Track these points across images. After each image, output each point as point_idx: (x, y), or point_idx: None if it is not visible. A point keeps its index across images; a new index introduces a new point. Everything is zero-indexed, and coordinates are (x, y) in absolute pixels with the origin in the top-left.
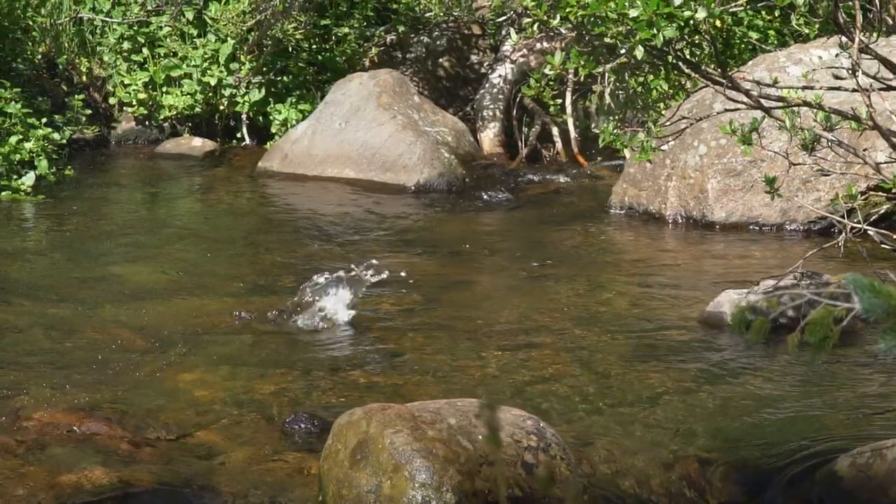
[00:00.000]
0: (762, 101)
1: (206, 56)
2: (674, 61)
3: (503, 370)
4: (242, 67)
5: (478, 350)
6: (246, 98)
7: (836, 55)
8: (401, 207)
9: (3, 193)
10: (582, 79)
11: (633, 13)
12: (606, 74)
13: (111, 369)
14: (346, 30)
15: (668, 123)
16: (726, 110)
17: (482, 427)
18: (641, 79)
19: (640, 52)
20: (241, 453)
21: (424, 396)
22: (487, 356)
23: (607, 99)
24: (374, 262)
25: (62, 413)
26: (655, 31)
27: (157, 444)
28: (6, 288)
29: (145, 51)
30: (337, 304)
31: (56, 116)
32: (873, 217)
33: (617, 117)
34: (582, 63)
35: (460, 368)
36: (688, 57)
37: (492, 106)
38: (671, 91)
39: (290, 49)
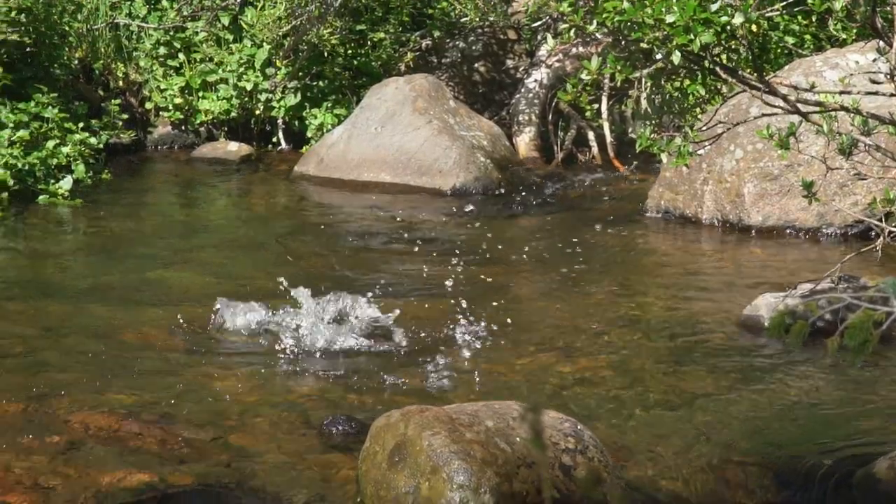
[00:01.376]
0: (799, 105)
1: (242, 61)
2: (710, 66)
3: (540, 373)
4: (278, 72)
5: (514, 353)
6: (282, 103)
7: (874, 60)
8: (437, 212)
9: (41, 197)
10: (619, 84)
11: (669, 19)
12: (643, 79)
13: (149, 371)
14: (382, 35)
15: (704, 128)
16: (763, 115)
17: (523, 429)
18: (677, 83)
19: (676, 58)
20: (279, 454)
21: (461, 399)
22: (524, 359)
23: (643, 104)
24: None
25: (101, 414)
26: (692, 37)
27: (195, 445)
28: (44, 291)
29: (181, 56)
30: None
31: (93, 121)
32: None
33: (654, 122)
34: (619, 68)
35: (497, 371)
36: (724, 62)
37: (527, 110)
38: (707, 96)
39: (326, 54)
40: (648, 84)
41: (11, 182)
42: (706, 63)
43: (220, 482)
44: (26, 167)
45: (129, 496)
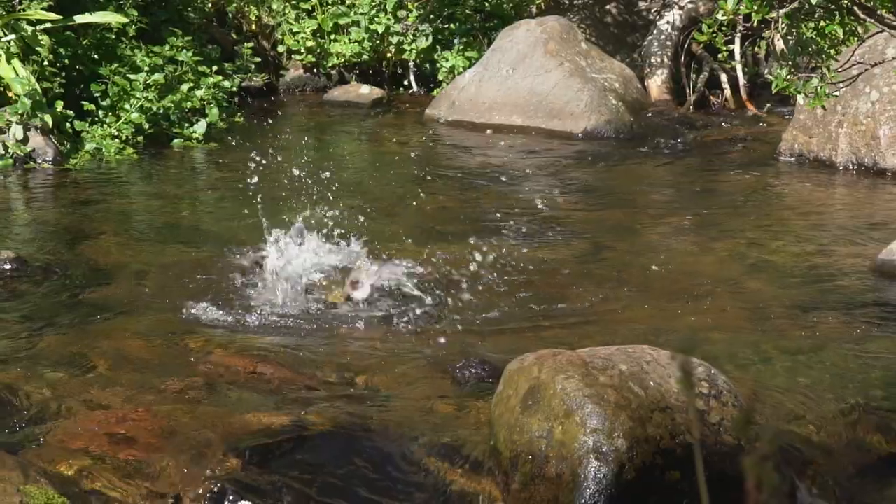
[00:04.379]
0: None
1: (374, 3)
2: (849, 5)
3: (671, 318)
4: (410, 15)
5: (645, 297)
6: (413, 45)
7: None
8: (568, 154)
9: (175, 141)
10: (754, 24)
11: None
12: (779, 19)
13: (281, 314)
14: None
15: (840, 69)
16: None
17: (657, 373)
18: (813, 24)
19: None
20: (412, 398)
21: (593, 343)
22: (655, 303)
23: (778, 44)
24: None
25: (236, 356)
26: None
27: (328, 388)
28: (178, 233)
29: None
30: None
31: (226, 65)
32: None
33: (790, 63)
34: (755, 8)
35: (628, 316)
36: (863, 1)
37: (659, 52)
38: (844, 36)
39: None
40: (784, 24)
41: (147, 125)
42: (844, 2)
43: (354, 424)
44: (161, 111)
45: (263, 437)
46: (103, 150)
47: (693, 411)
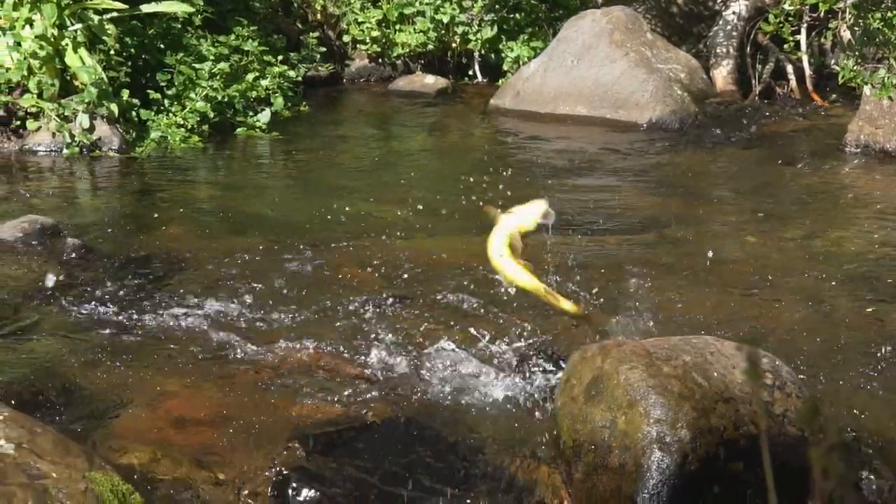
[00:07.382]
0: None
1: None
2: None
3: (733, 308)
4: (475, 5)
5: (709, 288)
6: (478, 35)
7: None
8: (632, 145)
9: (240, 130)
10: (821, 14)
11: None
12: (846, 10)
13: (345, 305)
14: None
15: None
16: None
17: (721, 363)
18: (879, 14)
19: None
20: (474, 386)
21: (655, 334)
22: (719, 294)
23: (845, 35)
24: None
25: (299, 347)
26: None
27: (389, 380)
28: (242, 222)
29: None
30: None
31: (291, 54)
32: None
33: (856, 54)
34: None
35: (691, 306)
36: None
37: (725, 43)
38: None
39: None
40: (851, 15)
41: (212, 114)
42: None
43: (416, 414)
44: (226, 100)
45: (327, 426)
46: (168, 138)
47: (759, 402)
